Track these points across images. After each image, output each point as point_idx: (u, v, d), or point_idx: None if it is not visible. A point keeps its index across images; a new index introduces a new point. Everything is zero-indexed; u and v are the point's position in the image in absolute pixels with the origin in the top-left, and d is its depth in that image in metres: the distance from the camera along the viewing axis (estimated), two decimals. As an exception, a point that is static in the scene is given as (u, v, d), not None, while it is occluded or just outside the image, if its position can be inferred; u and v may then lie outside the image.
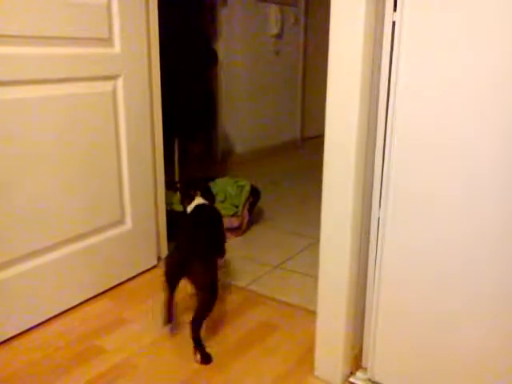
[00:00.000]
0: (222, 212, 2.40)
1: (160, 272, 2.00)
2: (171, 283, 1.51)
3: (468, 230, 1.10)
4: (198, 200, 1.78)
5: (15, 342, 1.54)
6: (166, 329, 1.60)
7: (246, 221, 2.44)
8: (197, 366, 1.44)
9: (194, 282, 1.48)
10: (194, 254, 1.48)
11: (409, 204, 1.16)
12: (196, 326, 1.46)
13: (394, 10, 1.10)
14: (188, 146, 3.80)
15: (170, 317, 1.56)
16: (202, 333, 1.47)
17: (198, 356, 1.46)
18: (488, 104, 1.02)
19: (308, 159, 4.12)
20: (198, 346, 1.46)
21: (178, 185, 2.04)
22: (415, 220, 1.16)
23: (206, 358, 1.46)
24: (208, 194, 1.84)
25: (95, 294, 1.81)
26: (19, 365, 1.44)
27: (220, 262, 1.84)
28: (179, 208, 2.41)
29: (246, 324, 1.66)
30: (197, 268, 1.47)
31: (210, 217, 1.76)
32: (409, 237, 1.18)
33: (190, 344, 1.50)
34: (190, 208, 1.76)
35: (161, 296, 1.55)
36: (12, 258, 1.53)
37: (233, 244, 2.34)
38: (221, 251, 1.83)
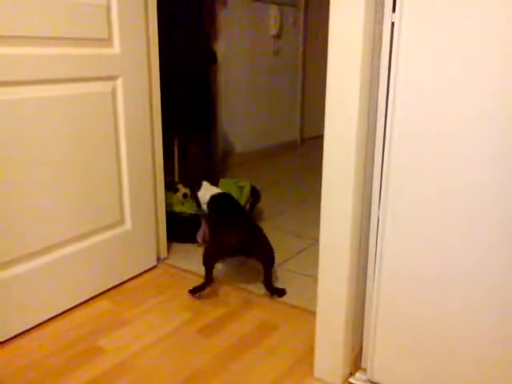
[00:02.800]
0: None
1: (160, 272, 2.01)
2: (220, 258, 1.86)
3: (468, 230, 1.10)
4: (213, 189, 2.00)
5: (15, 343, 1.54)
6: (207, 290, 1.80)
7: (245, 221, 2.44)
8: (197, 366, 1.44)
9: (258, 255, 1.79)
10: (254, 229, 1.80)
11: (409, 203, 1.16)
12: (269, 282, 1.80)
13: (393, 10, 1.10)
14: (187, 146, 3.79)
15: (210, 282, 1.81)
16: (201, 333, 1.47)
17: (276, 296, 1.81)
18: (487, 102, 1.02)
19: (308, 160, 4.13)
20: (274, 290, 1.81)
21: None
22: (415, 220, 1.16)
23: (282, 292, 1.83)
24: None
25: (95, 294, 1.81)
26: (19, 365, 1.44)
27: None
28: (179, 209, 2.42)
29: (245, 324, 1.66)
30: (260, 242, 1.79)
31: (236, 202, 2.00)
32: (409, 237, 1.18)
33: (190, 344, 1.50)
34: (204, 198, 1.99)
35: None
36: (11, 259, 1.53)
37: (232, 244, 2.34)
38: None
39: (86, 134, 1.68)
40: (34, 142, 1.53)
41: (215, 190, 2.02)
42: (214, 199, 1.98)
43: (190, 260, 2.10)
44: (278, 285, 1.88)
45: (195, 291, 1.80)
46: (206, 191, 2.04)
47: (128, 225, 1.91)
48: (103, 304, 1.78)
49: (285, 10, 4.22)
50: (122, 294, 1.85)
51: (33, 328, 1.61)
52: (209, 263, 1.78)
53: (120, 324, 1.65)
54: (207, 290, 1.81)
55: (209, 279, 1.80)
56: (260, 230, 1.82)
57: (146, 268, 2.02)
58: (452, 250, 1.13)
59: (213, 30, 3.71)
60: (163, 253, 2.13)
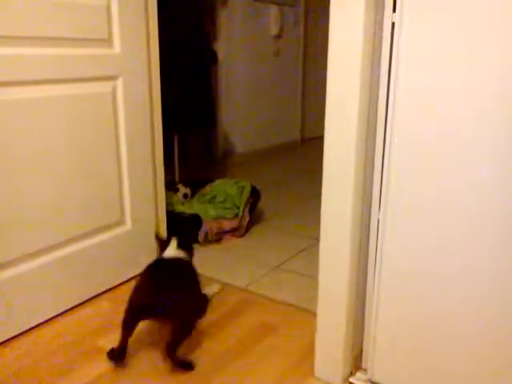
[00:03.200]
0: (223, 214, 2.41)
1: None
2: (136, 323, 1.43)
3: (468, 230, 1.10)
4: (172, 249, 1.61)
5: (14, 344, 1.54)
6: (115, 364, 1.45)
7: (246, 221, 2.44)
8: (197, 366, 1.44)
9: (170, 320, 1.43)
10: (176, 290, 1.41)
11: (409, 204, 1.16)
12: (172, 353, 1.41)
13: (394, 11, 1.10)
14: (188, 145, 3.80)
15: (123, 355, 1.43)
16: (201, 333, 1.47)
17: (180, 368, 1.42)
18: (488, 103, 1.02)
19: (308, 160, 4.12)
20: (179, 363, 1.42)
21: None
22: (415, 221, 1.16)
23: (188, 366, 1.43)
24: (186, 244, 1.67)
25: (95, 294, 1.81)
26: (19, 366, 1.44)
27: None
28: (180, 208, 2.42)
29: (245, 325, 1.66)
30: (180, 306, 1.41)
31: (186, 270, 1.59)
32: (409, 237, 1.18)
33: (190, 344, 1.50)
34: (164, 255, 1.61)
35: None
36: (11, 259, 1.53)
37: (233, 245, 2.34)
38: (201, 310, 1.68)
39: (86, 133, 1.68)
40: (33, 142, 1.53)
41: (172, 253, 1.61)
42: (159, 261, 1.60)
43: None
44: (274, 289, 1.84)
45: (110, 357, 1.44)
46: (168, 251, 1.63)
47: (128, 225, 1.91)
48: (103, 304, 1.78)
49: (285, 10, 4.23)
50: (122, 294, 1.84)
51: (33, 328, 1.61)
52: (122, 323, 1.42)
53: (120, 325, 1.64)
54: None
55: (121, 343, 1.41)
56: (186, 300, 1.44)
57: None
58: (452, 250, 1.13)
59: (213, 30, 3.71)
60: (163, 253, 2.13)
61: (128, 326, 1.42)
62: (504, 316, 1.10)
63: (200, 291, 1.63)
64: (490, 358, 1.14)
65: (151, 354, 1.49)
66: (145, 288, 1.45)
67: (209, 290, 1.81)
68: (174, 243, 1.63)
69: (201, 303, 1.68)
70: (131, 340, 1.42)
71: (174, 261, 1.59)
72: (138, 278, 1.51)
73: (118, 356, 1.42)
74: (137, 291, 1.45)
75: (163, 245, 1.65)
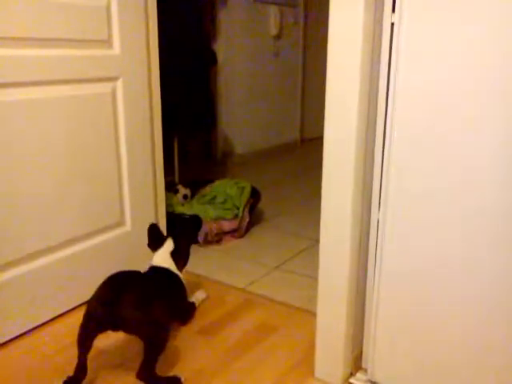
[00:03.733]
0: (223, 214, 2.41)
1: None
2: (92, 336, 1.29)
3: (468, 230, 1.10)
4: (163, 257, 1.52)
5: (14, 344, 1.54)
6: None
7: (246, 222, 2.44)
8: (197, 366, 1.44)
9: (132, 332, 1.32)
10: (124, 301, 1.25)
11: (409, 203, 1.16)
12: (146, 376, 1.29)
13: (393, 11, 1.10)
14: (187, 145, 3.80)
15: (84, 374, 1.31)
16: (201, 334, 1.47)
17: None
18: (487, 102, 1.02)
19: (307, 160, 4.12)
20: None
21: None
22: (415, 220, 1.16)
23: (176, 381, 1.34)
24: (182, 250, 1.60)
25: (95, 295, 1.81)
26: (18, 367, 1.44)
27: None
28: (179, 209, 2.42)
29: (245, 325, 1.66)
30: (133, 317, 1.27)
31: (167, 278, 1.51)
32: (409, 237, 1.18)
33: (190, 345, 1.50)
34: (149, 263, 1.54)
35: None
36: (11, 260, 1.53)
37: (233, 245, 2.34)
38: (184, 315, 1.63)
39: (85, 134, 1.68)
40: (33, 143, 1.53)
41: (163, 262, 1.54)
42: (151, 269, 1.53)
43: (190, 260, 2.10)
44: (274, 289, 1.85)
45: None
46: (158, 258, 1.57)
47: (128, 226, 1.91)
48: (103, 305, 1.77)
49: (285, 10, 4.23)
50: (123, 294, 1.85)
51: (33, 329, 1.61)
52: (77, 338, 1.30)
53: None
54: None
55: (79, 365, 1.29)
56: (151, 313, 1.29)
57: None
58: (452, 249, 1.13)
59: (213, 31, 3.71)
60: (163, 253, 2.13)
61: (83, 339, 1.29)
62: (504, 316, 1.10)
63: (180, 303, 1.55)
64: (491, 358, 1.14)
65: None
66: (102, 296, 1.30)
67: (195, 297, 1.76)
68: (168, 247, 1.56)
69: (181, 315, 1.61)
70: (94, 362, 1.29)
71: (155, 272, 1.48)
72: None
73: (75, 380, 1.28)
74: (93, 299, 1.30)
75: (156, 244, 1.57)
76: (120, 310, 1.25)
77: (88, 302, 1.31)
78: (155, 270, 1.52)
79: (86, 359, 1.29)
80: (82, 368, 1.30)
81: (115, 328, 1.29)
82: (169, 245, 1.58)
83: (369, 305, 1.31)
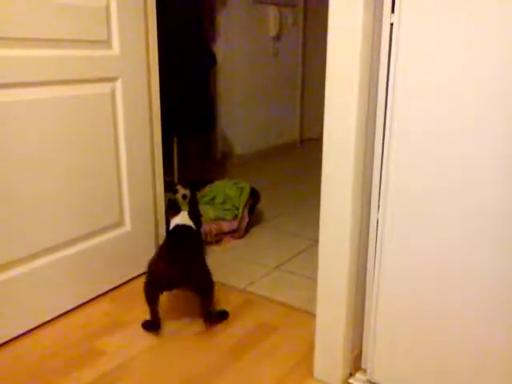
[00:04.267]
0: (222, 215, 2.41)
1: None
2: (160, 293, 1.57)
3: (468, 229, 1.10)
4: (183, 217, 1.81)
5: (14, 345, 1.54)
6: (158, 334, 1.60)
7: (245, 223, 2.44)
8: (196, 367, 1.44)
9: (193, 288, 1.58)
10: (190, 261, 1.57)
11: (408, 204, 1.16)
12: (207, 314, 1.60)
13: (392, 11, 1.10)
14: (187, 146, 3.80)
15: (158, 324, 1.60)
16: (200, 334, 1.47)
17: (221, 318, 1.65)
18: (488, 101, 1.02)
19: (307, 161, 4.12)
20: (217, 317, 1.64)
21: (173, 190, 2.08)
22: (414, 221, 1.16)
23: (224, 315, 1.67)
24: (194, 213, 1.88)
25: (95, 295, 1.81)
26: (18, 367, 1.44)
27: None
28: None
29: (244, 325, 1.65)
30: (197, 275, 1.56)
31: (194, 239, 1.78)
32: (408, 237, 1.18)
33: (189, 345, 1.50)
34: (172, 223, 1.80)
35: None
36: (11, 260, 1.53)
37: (232, 246, 2.34)
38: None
39: (85, 135, 1.68)
40: (32, 144, 1.53)
41: (184, 221, 1.80)
42: (175, 229, 1.79)
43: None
44: (273, 290, 1.87)
45: (146, 328, 1.62)
46: (178, 219, 1.82)
47: (127, 226, 1.91)
48: (103, 305, 1.77)
49: (284, 11, 4.23)
50: (122, 295, 1.85)
51: (32, 330, 1.61)
52: (147, 296, 1.57)
53: (120, 326, 1.65)
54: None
55: (153, 316, 1.59)
56: (200, 266, 1.62)
57: (146, 269, 2.02)
58: (452, 249, 1.13)
59: (212, 32, 3.71)
60: (163, 254, 2.13)
61: (150, 300, 1.56)
62: (505, 316, 1.10)
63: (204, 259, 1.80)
64: (491, 359, 1.14)
65: (151, 356, 1.49)
66: (161, 263, 1.57)
67: None
68: (185, 211, 1.84)
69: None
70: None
71: (186, 230, 1.77)
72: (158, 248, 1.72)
73: (153, 326, 1.58)
74: (154, 266, 1.58)
75: (174, 211, 1.84)
76: (177, 267, 1.52)
77: (151, 264, 1.58)
78: (183, 228, 1.78)
79: (157, 311, 1.58)
80: (155, 315, 1.58)
81: (175, 284, 1.56)
82: (185, 210, 1.86)
83: (368, 305, 1.31)
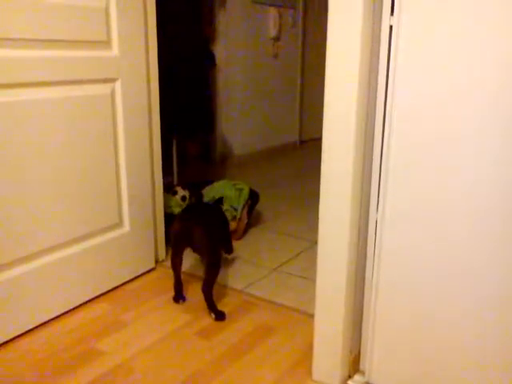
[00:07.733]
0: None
1: (158, 274, 2.01)
2: (176, 253, 1.73)
3: (468, 231, 1.10)
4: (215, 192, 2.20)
5: (14, 345, 1.54)
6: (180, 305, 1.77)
7: (244, 224, 2.44)
8: (195, 368, 1.44)
9: (196, 247, 1.72)
10: (195, 221, 1.71)
11: (408, 202, 1.16)
12: (206, 290, 1.68)
13: (392, 14, 1.10)
14: (186, 147, 3.80)
15: (181, 294, 1.79)
16: (200, 335, 1.47)
17: (213, 315, 1.68)
18: (487, 103, 1.02)
19: (306, 162, 4.13)
20: (212, 307, 1.69)
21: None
22: (414, 220, 1.16)
23: (221, 316, 1.68)
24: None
25: (94, 296, 1.81)
26: (18, 367, 1.44)
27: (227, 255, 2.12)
28: (177, 211, 2.42)
29: (243, 327, 1.66)
30: (197, 234, 1.68)
31: (215, 211, 1.96)
32: (408, 237, 1.18)
33: (188, 346, 1.50)
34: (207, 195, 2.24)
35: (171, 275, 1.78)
36: (11, 260, 1.53)
37: (231, 247, 2.34)
38: (228, 247, 2.03)
39: (84, 136, 1.68)
40: (32, 144, 1.53)
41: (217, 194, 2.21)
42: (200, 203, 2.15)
43: (189, 261, 2.10)
44: (272, 291, 1.87)
45: (175, 299, 1.80)
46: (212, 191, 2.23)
47: (126, 227, 1.91)
48: (102, 306, 1.77)
49: (284, 12, 4.23)
50: (121, 296, 1.85)
51: (31, 330, 1.61)
52: (171, 256, 1.76)
53: (119, 326, 1.65)
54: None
55: (176, 288, 1.79)
56: (207, 232, 1.70)
57: (145, 270, 2.02)
58: (452, 249, 1.13)
59: (212, 33, 3.71)
60: (161, 255, 2.13)
61: (174, 257, 1.74)
62: (504, 318, 1.10)
63: (228, 233, 2.00)
64: (491, 362, 1.14)
65: (150, 357, 1.49)
66: (177, 218, 1.76)
67: None
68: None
69: (228, 242, 2.01)
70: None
71: (208, 206, 2.06)
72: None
73: (178, 297, 1.79)
74: (174, 223, 1.76)
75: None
76: (194, 228, 1.69)
77: (172, 226, 1.75)
78: (207, 204, 2.11)
79: (180, 282, 1.79)
80: (178, 282, 1.78)
81: (189, 243, 1.71)
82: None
83: (367, 307, 1.32)
